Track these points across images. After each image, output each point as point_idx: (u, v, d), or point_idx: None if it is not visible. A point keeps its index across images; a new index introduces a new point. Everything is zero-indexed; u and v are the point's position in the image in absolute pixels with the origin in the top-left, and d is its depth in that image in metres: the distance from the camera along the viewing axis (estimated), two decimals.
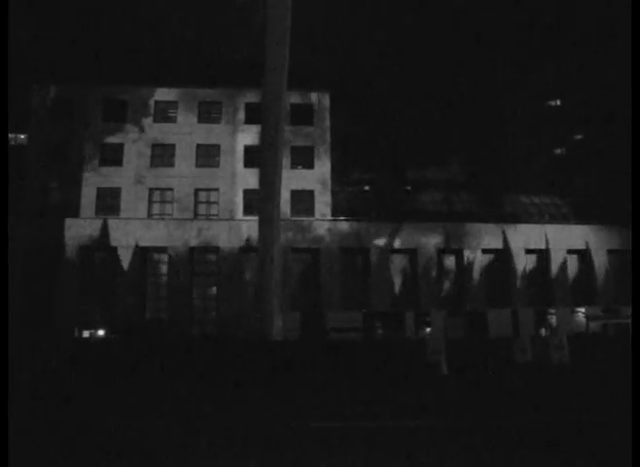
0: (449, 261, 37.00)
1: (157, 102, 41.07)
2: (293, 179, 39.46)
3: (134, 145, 39.83)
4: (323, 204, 40.07)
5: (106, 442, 8.76)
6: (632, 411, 7.00)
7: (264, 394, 15.04)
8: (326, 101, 42.31)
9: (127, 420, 10.70)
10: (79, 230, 34.20)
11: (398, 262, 36.59)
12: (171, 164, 39.97)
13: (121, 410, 12.37)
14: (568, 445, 8.19)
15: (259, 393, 15.18)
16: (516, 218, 40.73)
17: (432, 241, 36.26)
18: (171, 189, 39.49)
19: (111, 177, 39.12)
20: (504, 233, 36.96)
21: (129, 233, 34.35)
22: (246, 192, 39.44)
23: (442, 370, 19.94)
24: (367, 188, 44.88)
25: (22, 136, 41.87)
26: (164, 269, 35.09)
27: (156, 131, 40.38)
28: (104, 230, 34.16)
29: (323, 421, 10.32)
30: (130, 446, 8.47)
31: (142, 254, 34.54)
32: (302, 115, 41.76)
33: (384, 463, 7.25)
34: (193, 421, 10.59)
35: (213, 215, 39.37)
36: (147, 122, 40.43)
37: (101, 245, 34.16)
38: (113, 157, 39.66)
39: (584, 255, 37.64)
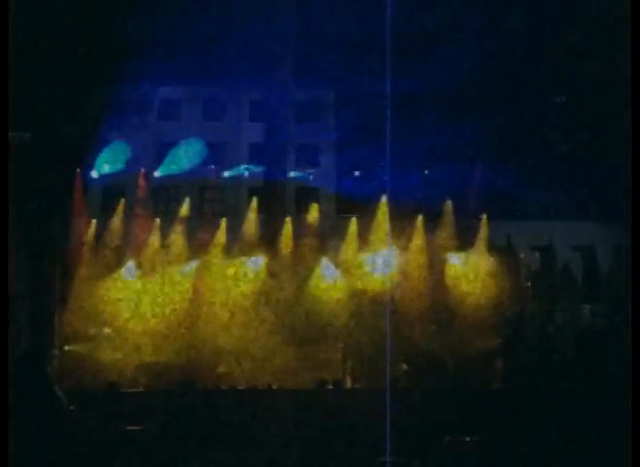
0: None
1: (161, 100, 40.95)
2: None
3: (139, 143, 39.71)
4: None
5: None
6: (632, 410, 6.97)
7: None
8: (331, 98, 42.01)
9: None
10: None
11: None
12: None
13: None
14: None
15: None
16: (520, 215, 40.38)
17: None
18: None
19: (116, 176, 39.02)
20: (507, 230, 36.62)
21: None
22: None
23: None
24: None
25: (27, 135, 41.86)
26: None
27: (160, 130, 40.30)
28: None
29: None
30: None
31: None
32: (307, 112, 41.54)
33: None
34: None
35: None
36: (151, 120, 40.32)
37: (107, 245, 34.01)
38: None
39: (589, 252, 37.32)
